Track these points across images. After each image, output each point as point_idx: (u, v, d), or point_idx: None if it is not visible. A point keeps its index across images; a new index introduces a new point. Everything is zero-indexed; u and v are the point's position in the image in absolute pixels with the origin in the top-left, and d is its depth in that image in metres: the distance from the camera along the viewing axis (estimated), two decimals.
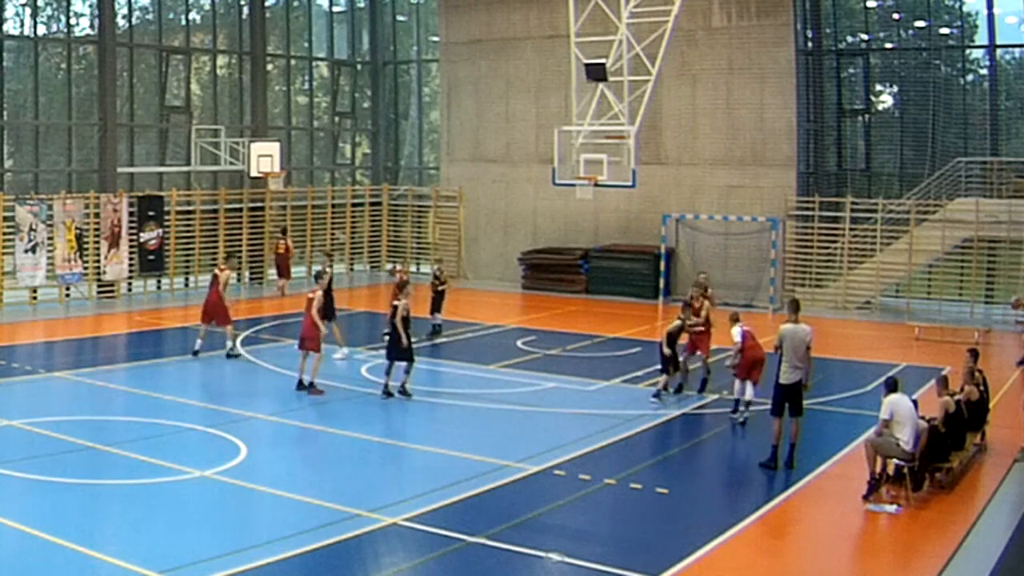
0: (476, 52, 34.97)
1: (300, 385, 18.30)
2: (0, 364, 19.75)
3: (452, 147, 35.89)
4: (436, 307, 24.11)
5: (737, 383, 17.31)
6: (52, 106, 29.77)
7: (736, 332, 17.24)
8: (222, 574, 10.26)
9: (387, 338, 18.62)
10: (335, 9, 37.90)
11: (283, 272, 30.50)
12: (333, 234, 34.82)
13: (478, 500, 12.92)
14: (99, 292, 28.63)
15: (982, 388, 15.26)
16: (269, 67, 34.29)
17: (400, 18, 38.80)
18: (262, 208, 32.62)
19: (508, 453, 14.79)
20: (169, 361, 21.93)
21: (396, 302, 18.19)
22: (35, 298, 27.20)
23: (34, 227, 26.51)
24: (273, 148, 30.25)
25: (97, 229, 28.09)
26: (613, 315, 27.76)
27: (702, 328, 18.85)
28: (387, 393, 18.05)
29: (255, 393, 18.71)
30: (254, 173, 29.94)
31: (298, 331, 18.86)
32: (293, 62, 35.84)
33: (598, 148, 25.61)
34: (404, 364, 18.07)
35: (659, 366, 18.74)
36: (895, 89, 31.63)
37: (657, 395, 18.27)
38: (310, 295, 18.62)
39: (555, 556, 11.08)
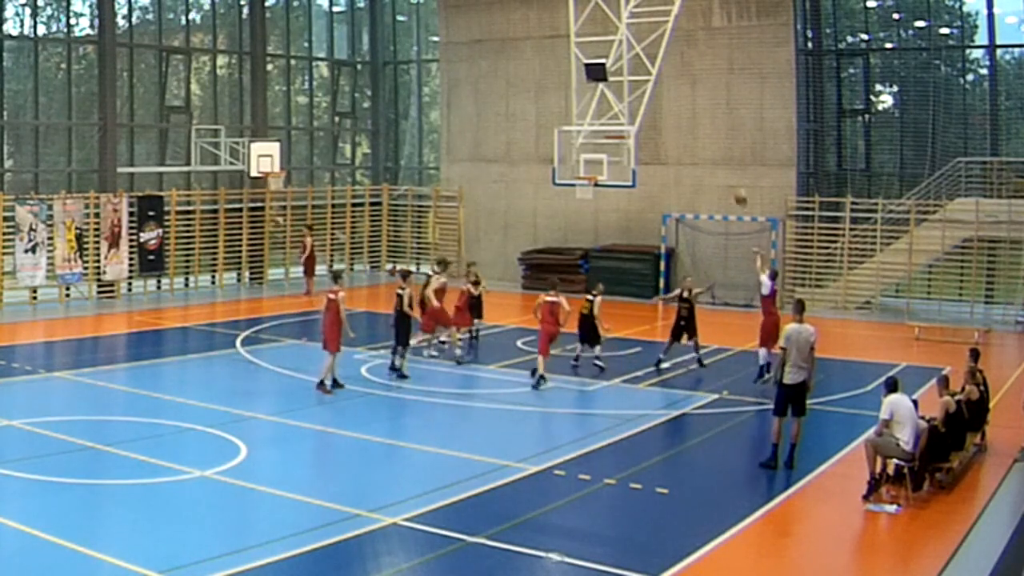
0: (476, 52, 34.97)
1: (335, 383, 18.29)
2: (0, 364, 19.76)
3: (452, 147, 35.89)
4: (478, 314, 23.17)
5: (762, 351, 18.93)
6: (52, 106, 29.77)
7: (765, 281, 19.08)
8: (222, 574, 10.25)
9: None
10: (335, 9, 37.90)
11: (309, 270, 30.53)
12: (333, 234, 34.83)
13: (478, 500, 12.92)
14: (99, 292, 28.62)
15: (982, 388, 15.25)
16: (269, 67, 34.29)
17: (400, 18, 38.80)
18: (262, 208, 32.61)
19: (508, 453, 14.78)
20: (169, 361, 21.95)
21: (400, 291, 19.41)
22: (35, 298, 27.20)
23: (34, 227, 26.51)
24: (273, 148, 30.26)
25: (97, 229, 28.08)
26: (613, 315, 27.58)
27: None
28: (393, 369, 19.55)
29: (255, 393, 18.70)
30: (254, 173, 29.96)
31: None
32: (293, 62, 35.85)
33: (598, 148, 25.60)
34: (402, 348, 19.51)
35: (655, 366, 19.73)
36: (895, 89, 31.63)
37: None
38: (330, 295, 18.42)
39: (555, 556, 11.07)
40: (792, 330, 14.57)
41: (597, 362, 20.55)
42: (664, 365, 20.84)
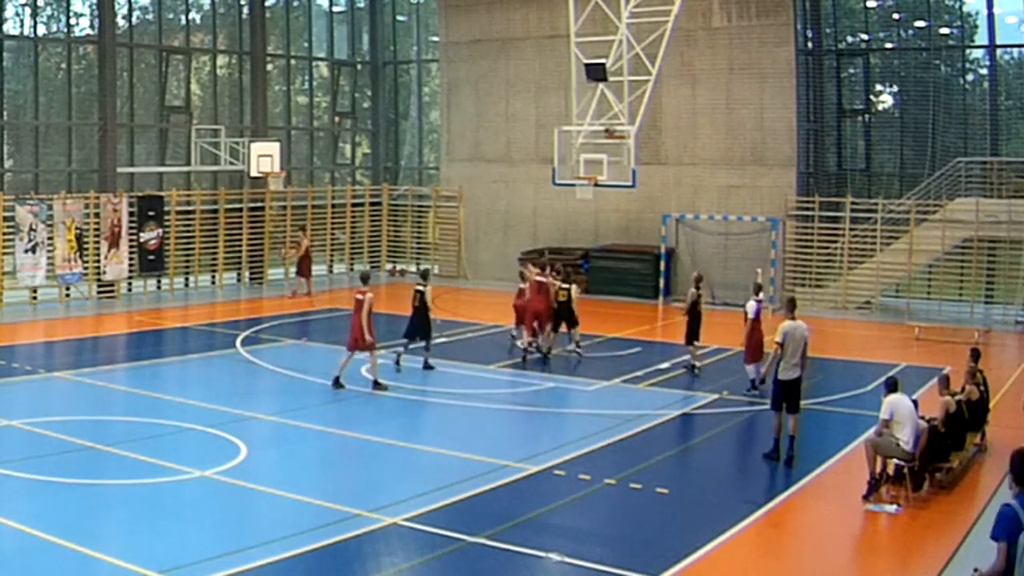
0: (476, 52, 34.96)
1: (336, 383, 18.34)
2: (0, 364, 19.76)
3: (452, 147, 35.88)
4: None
5: (750, 367, 18.68)
6: (52, 106, 29.77)
7: (751, 306, 18.74)
8: (222, 574, 10.25)
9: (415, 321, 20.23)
10: (335, 9, 37.90)
11: (304, 271, 30.49)
12: (333, 234, 34.82)
13: (478, 500, 12.92)
14: (99, 292, 28.62)
15: (982, 388, 15.26)
16: (269, 67, 34.29)
17: (400, 18, 38.80)
18: (262, 208, 32.61)
19: (508, 453, 14.78)
20: (169, 361, 21.95)
21: (420, 288, 20.14)
22: (35, 298, 27.20)
23: (34, 227, 26.51)
24: (273, 148, 30.25)
25: (97, 229, 28.08)
26: (613, 315, 27.75)
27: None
28: (398, 365, 19.96)
29: (255, 393, 18.72)
30: (254, 173, 29.95)
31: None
32: (293, 62, 35.84)
33: (598, 148, 25.60)
34: (424, 343, 20.08)
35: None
36: (895, 89, 31.62)
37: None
38: (358, 296, 18.49)
39: (555, 556, 11.07)
40: (788, 326, 14.68)
41: (577, 349, 21.10)
42: (664, 365, 20.85)
